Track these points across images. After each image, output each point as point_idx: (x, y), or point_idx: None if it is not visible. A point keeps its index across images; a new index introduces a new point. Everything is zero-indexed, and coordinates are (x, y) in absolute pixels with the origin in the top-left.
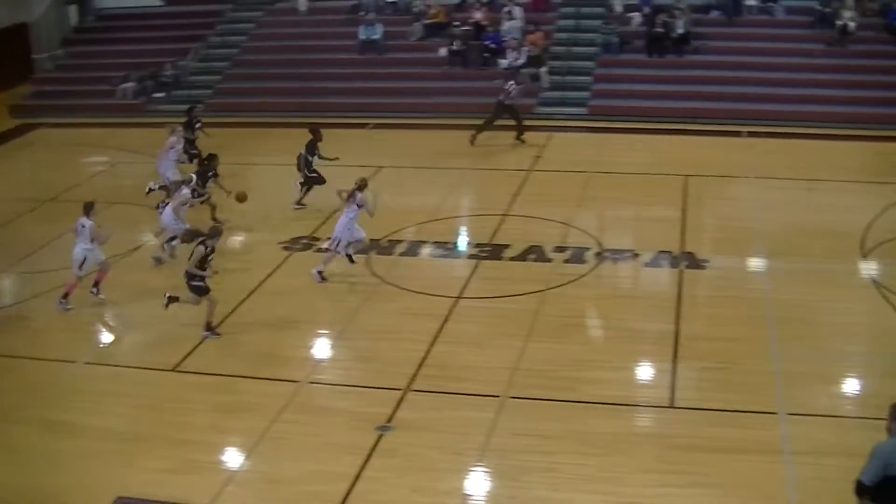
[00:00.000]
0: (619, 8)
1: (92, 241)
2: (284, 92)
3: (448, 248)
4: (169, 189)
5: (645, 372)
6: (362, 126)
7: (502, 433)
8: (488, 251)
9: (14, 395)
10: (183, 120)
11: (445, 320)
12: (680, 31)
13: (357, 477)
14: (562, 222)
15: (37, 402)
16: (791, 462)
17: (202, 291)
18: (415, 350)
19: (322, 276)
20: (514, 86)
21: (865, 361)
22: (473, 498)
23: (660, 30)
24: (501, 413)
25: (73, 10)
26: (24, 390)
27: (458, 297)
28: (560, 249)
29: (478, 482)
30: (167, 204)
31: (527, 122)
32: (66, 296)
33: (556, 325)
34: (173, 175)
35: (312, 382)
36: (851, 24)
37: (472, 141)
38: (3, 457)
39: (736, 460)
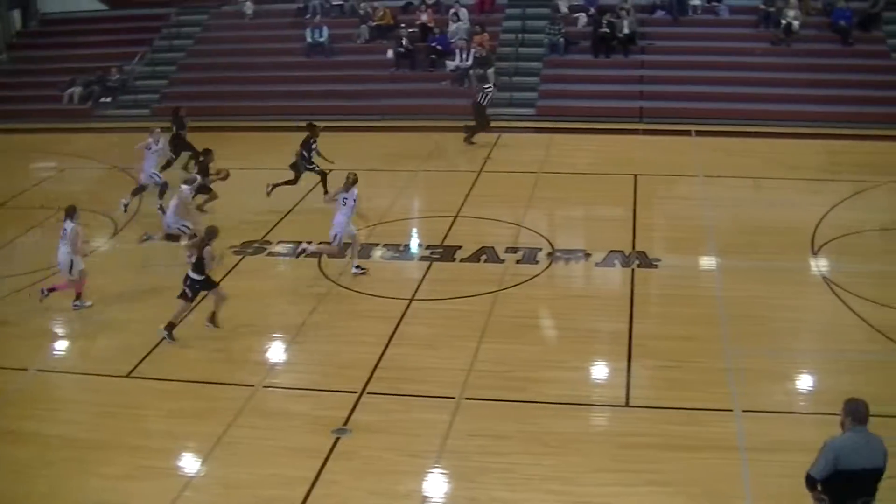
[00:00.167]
0: (564, 9)
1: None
2: (232, 95)
3: (400, 250)
4: (146, 187)
5: (599, 371)
6: None
7: (458, 434)
8: (440, 253)
9: None
10: (168, 124)
11: (399, 322)
12: (626, 31)
13: (315, 480)
14: (513, 223)
15: None
16: (746, 459)
17: (210, 286)
18: (369, 353)
19: (361, 269)
20: (491, 88)
21: (818, 357)
22: (432, 500)
23: (605, 30)
24: (457, 414)
25: (16, 15)
26: None
27: (412, 299)
28: (512, 250)
29: (436, 484)
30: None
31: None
32: (78, 296)
33: (509, 326)
34: (157, 176)
35: (268, 386)
36: (796, 24)
37: (468, 140)
38: None
39: (692, 458)
